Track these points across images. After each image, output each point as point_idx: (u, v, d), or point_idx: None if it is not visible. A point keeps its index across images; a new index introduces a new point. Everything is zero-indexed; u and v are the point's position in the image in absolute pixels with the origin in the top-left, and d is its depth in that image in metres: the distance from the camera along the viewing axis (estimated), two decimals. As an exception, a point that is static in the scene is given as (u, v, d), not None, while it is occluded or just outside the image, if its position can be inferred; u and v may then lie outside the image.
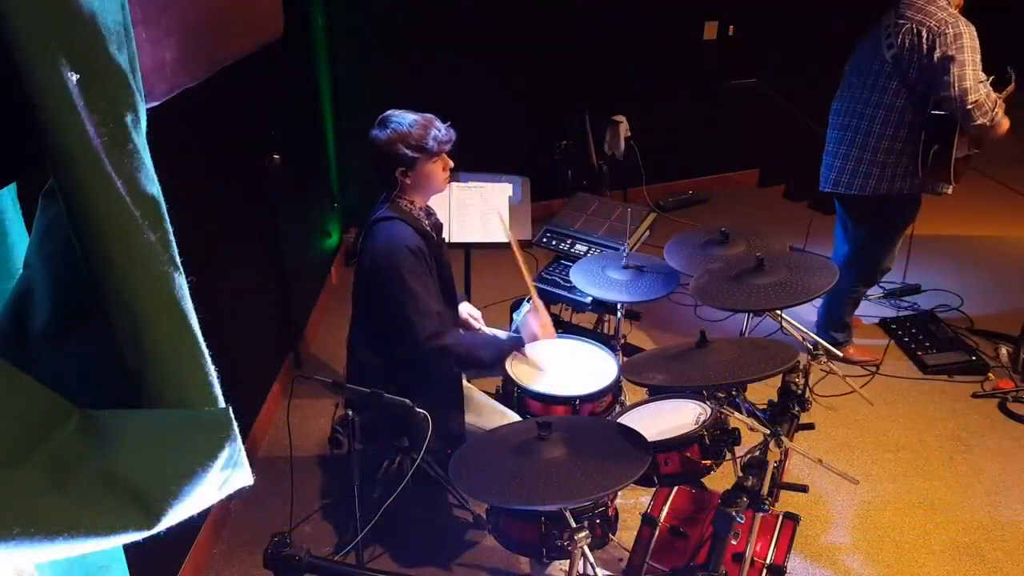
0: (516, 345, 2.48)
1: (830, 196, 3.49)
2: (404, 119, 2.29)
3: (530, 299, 2.59)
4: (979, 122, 2.94)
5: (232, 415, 0.82)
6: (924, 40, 2.99)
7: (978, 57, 2.95)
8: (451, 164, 2.41)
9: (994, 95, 2.97)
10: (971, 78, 2.92)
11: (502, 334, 2.73)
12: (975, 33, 2.96)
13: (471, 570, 2.55)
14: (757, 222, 5.15)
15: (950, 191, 3.23)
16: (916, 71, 3.04)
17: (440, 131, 2.31)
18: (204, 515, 2.50)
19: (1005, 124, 3.05)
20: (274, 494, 2.79)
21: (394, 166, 2.30)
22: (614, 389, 2.48)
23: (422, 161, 2.30)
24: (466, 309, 2.75)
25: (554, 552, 1.99)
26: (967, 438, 3.20)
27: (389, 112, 2.34)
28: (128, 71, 0.78)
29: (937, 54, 2.95)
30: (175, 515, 0.76)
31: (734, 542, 2.01)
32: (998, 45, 3.25)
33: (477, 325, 2.74)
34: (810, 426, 2.26)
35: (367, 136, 2.34)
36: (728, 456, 2.02)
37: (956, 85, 2.92)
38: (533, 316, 2.48)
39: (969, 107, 2.92)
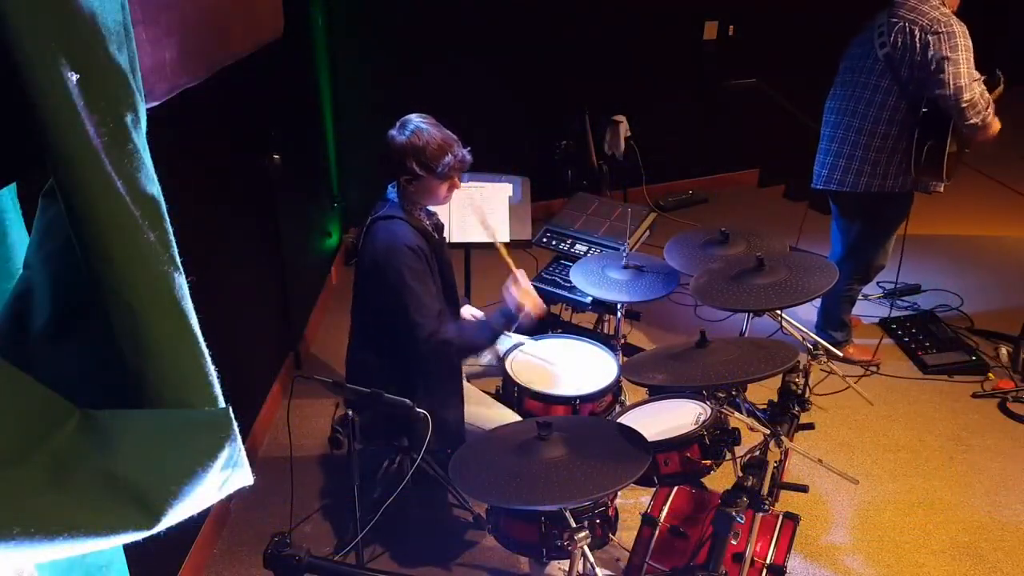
0: (507, 318, 2.39)
1: (824, 194, 3.50)
2: (424, 133, 2.24)
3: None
4: (972, 121, 2.96)
5: (232, 415, 0.82)
6: (917, 39, 3.00)
7: (971, 56, 2.97)
8: (459, 185, 2.38)
9: (988, 95, 2.99)
10: (965, 77, 2.93)
11: (490, 314, 2.68)
12: (967, 32, 2.98)
13: (471, 570, 2.55)
14: (757, 222, 5.15)
15: (941, 189, 3.24)
16: (908, 70, 3.05)
17: (455, 157, 2.26)
18: (204, 515, 2.50)
19: (996, 125, 3.07)
20: (274, 494, 2.79)
21: (399, 172, 2.29)
22: (614, 389, 2.48)
23: (428, 179, 2.28)
24: (468, 311, 2.75)
25: (554, 552, 1.99)
26: (967, 438, 3.20)
27: (414, 119, 2.28)
28: (128, 71, 0.78)
29: (930, 53, 2.96)
30: (175, 515, 0.76)
31: (734, 542, 2.01)
32: (997, 45, 3.26)
33: None
34: (810, 426, 2.26)
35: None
36: (728, 456, 2.02)
37: (951, 84, 2.93)
38: (515, 289, 2.39)
39: (964, 105, 2.93)
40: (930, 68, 2.97)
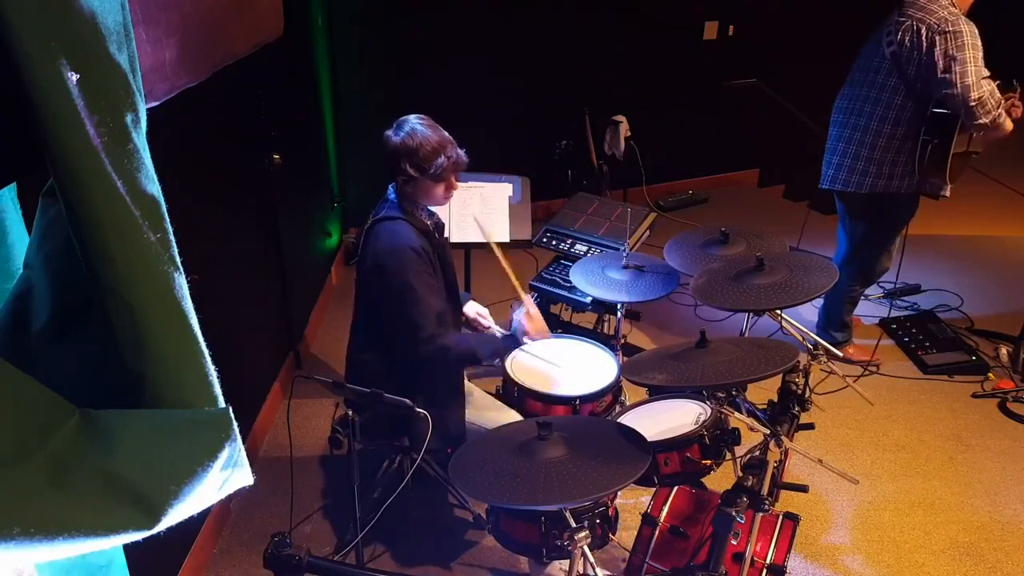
0: (511, 346, 2.46)
1: (830, 194, 3.50)
2: (418, 133, 2.24)
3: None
4: (981, 120, 2.95)
5: (232, 415, 0.82)
6: (924, 38, 2.99)
7: (980, 54, 2.95)
8: (456, 186, 2.38)
9: (998, 94, 2.97)
10: (972, 75, 2.92)
11: (499, 332, 2.72)
12: (976, 31, 2.97)
13: (471, 570, 2.55)
14: (757, 222, 5.14)
15: (947, 193, 3.22)
16: (915, 68, 3.05)
17: (449, 159, 2.25)
18: (204, 515, 2.50)
19: (1008, 125, 3.05)
20: (274, 494, 2.79)
21: (396, 173, 2.30)
22: (614, 389, 2.48)
23: (422, 180, 2.28)
24: (473, 308, 2.73)
25: (554, 552, 1.99)
26: (967, 438, 3.20)
27: (411, 120, 2.28)
28: (128, 71, 0.78)
29: (937, 52, 2.96)
30: (175, 515, 0.76)
31: (734, 542, 2.01)
32: (1014, 51, 3.25)
33: (485, 323, 2.72)
34: (810, 426, 2.26)
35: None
36: (728, 456, 2.02)
37: (958, 83, 2.92)
38: (526, 318, 2.41)
39: (972, 104, 2.92)
40: (937, 67, 2.96)
